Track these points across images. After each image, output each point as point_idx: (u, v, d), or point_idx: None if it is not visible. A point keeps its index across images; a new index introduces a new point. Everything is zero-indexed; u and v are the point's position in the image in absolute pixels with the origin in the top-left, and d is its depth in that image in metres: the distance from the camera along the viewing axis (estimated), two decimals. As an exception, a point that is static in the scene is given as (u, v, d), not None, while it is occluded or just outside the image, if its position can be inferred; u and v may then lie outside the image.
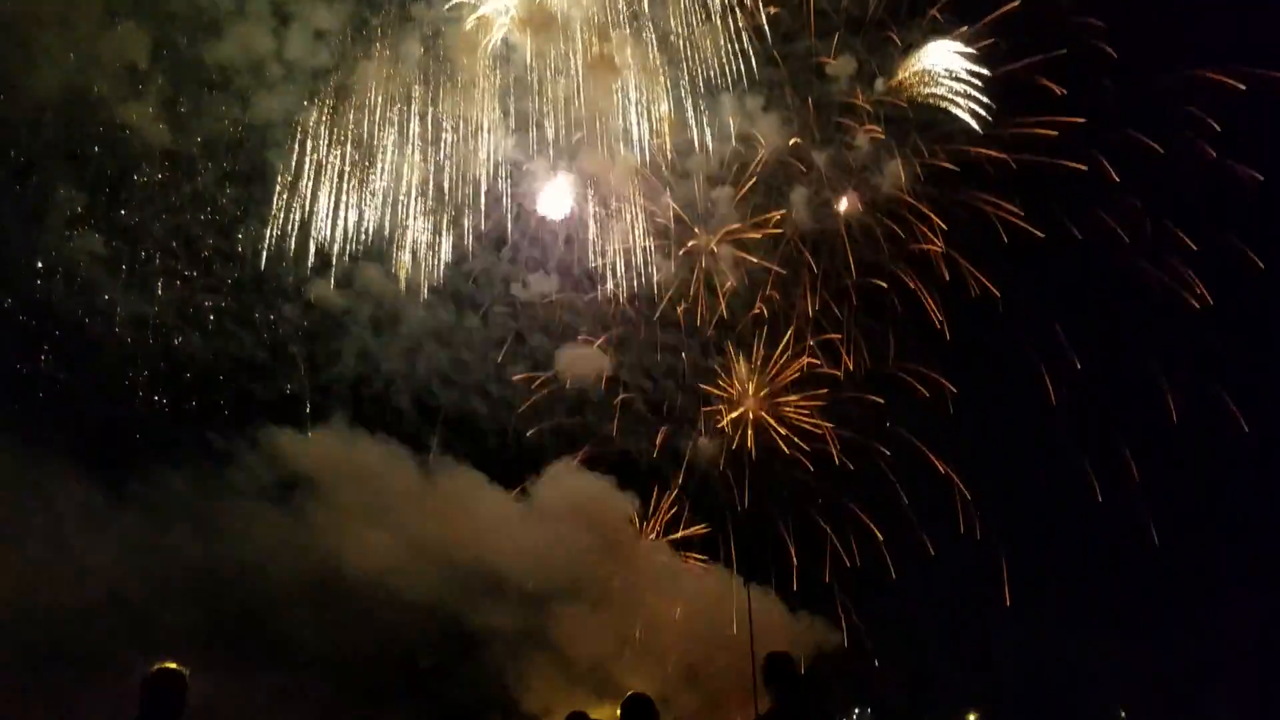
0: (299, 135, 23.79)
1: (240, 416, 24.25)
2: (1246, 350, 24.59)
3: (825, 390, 26.09)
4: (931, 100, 25.17)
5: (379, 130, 24.21)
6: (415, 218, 24.75)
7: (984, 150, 24.70)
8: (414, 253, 24.87)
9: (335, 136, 24.11)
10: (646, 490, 26.44)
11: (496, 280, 26.29)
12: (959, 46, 24.61)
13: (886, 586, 25.56)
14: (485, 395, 26.09)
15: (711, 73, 23.85)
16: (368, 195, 24.34)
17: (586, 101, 23.93)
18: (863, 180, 25.95)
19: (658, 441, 26.26)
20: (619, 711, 6.49)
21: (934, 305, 25.39)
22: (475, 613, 24.36)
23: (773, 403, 26.57)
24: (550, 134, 24.28)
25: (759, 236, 26.28)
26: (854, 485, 25.58)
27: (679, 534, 26.58)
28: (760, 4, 23.82)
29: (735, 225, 26.30)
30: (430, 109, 24.31)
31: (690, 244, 26.34)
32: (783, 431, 26.18)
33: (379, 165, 24.35)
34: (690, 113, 24.36)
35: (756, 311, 26.52)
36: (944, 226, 25.12)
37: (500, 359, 26.15)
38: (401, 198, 24.52)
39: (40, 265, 22.88)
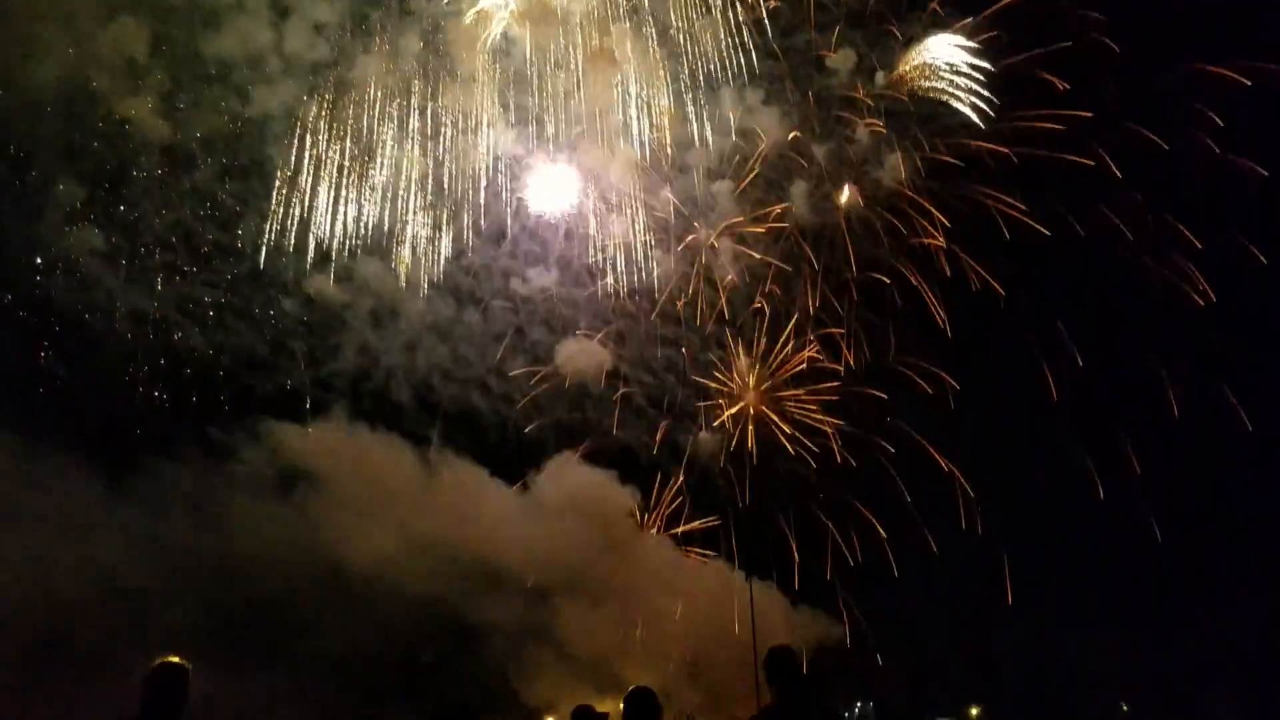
0: (298, 130, 23.80)
1: (240, 411, 24.29)
2: (1249, 347, 24.56)
3: (826, 385, 26.08)
4: (932, 94, 25.16)
5: (378, 125, 24.21)
6: (415, 212, 24.75)
7: (985, 144, 24.67)
8: (413, 247, 24.89)
9: (335, 131, 24.10)
10: (647, 484, 26.49)
11: (496, 275, 26.31)
12: (959, 40, 24.59)
13: (889, 583, 25.59)
14: (485, 390, 26.13)
15: (711, 67, 23.84)
16: (367, 190, 24.34)
17: (586, 96, 23.94)
18: (863, 174, 25.94)
19: (658, 436, 26.30)
20: (622, 705, 6.46)
21: (935, 300, 25.39)
22: (476, 607, 24.39)
23: (773, 397, 26.55)
24: (550, 129, 24.29)
25: (759, 231, 26.28)
26: (856, 481, 25.61)
27: (680, 528, 26.60)
28: (761, -2, 23.78)
29: (735, 220, 26.30)
30: (430, 103, 24.31)
31: (690, 238, 26.34)
32: (785, 428, 26.18)
33: (378, 160, 24.34)
34: (690, 107, 24.37)
35: (756, 306, 26.54)
36: (945, 221, 25.12)
37: (500, 353, 26.18)
38: (401, 192, 24.54)
39: (40, 261, 22.87)
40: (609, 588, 25.49)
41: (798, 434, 26.00)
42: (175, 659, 5.70)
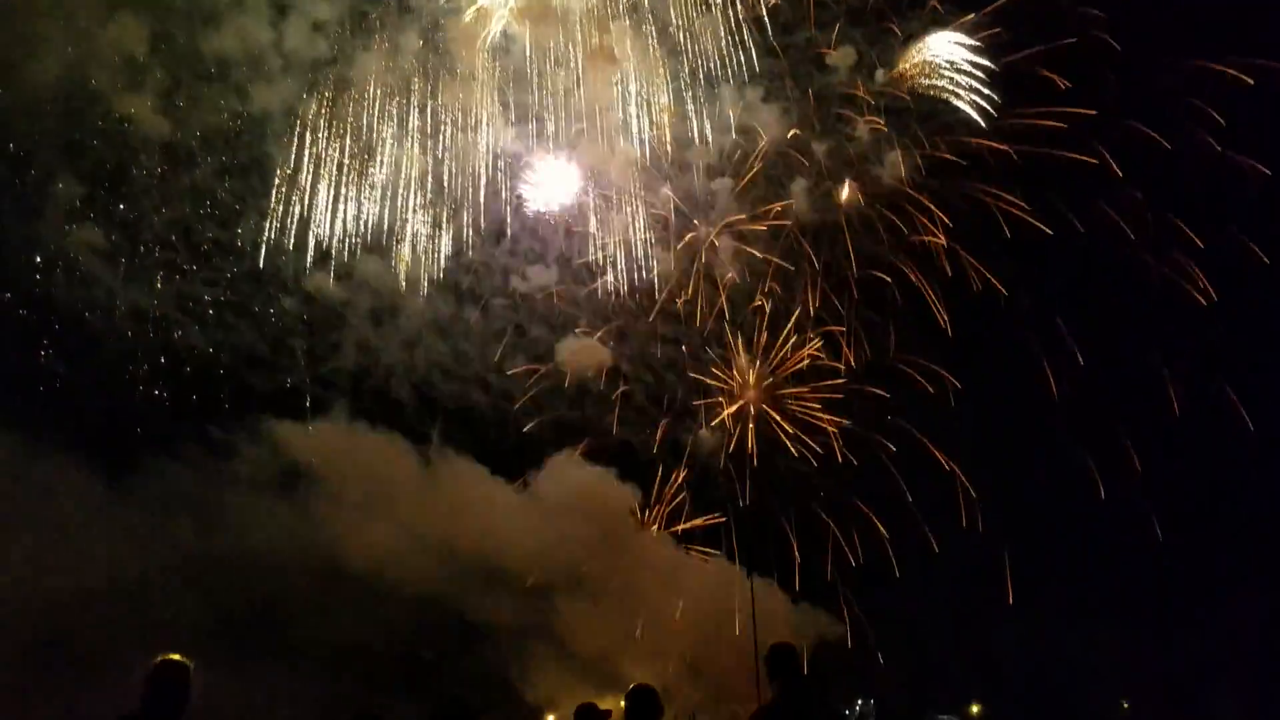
0: (298, 128, 23.79)
1: (241, 409, 24.32)
2: (1250, 345, 24.51)
3: (826, 383, 26.06)
4: (932, 92, 25.11)
5: (378, 123, 24.19)
6: (414, 210, 24.73)
7: (985, 142, 24.63)
8: (413, 245, 24.88)
9: (334, 129, 24.09)
10: (648, 483, 26.48)
11: (496, 273, 26.30)
12: (959, 38, 24.54)
13: (889, 582, 25.56)
14: (485, 388, 26.12)
15: (711, 64, 23.81)
16: (367, 188, 24.33)
17: (586, 94, 23.92)
18: (863, 172, 25.91)
19: (658, 435, 26.29)
20: (624, 703, 6.46)
21: (935, 298, 25.36)
22: (477, 605, 24.42)
23: (773, 395, 26.53)
24: (550, 126, 24.28)
25: (759, 229, 26.27)
26: (856, 479, 25.58)
27: (681, 526, 26.61)
28: (760, -5, 23.74)
29: (735, 217, 26.27)
30: (429, 101, 24.29)
31: (690, 236, 26.31)
32: (787, 428, 26.15)
33: (378, 158, 24.33)
34: (690, 104, 24.35)
35: (757, 304, 26.51)
36: (945, 219, 25.09)
37: (500, 351, 26.16)
38: (400, 190, 24.52)
39: (39, 259, 22.86)
40: (609, 585, 25.51)
41: (798, 432, 26.03)
42: (177, 656, 5.67)
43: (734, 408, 26.60)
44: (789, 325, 26.27)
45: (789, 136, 25.82)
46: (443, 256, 25.08)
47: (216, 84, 23.74)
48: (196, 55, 23.40)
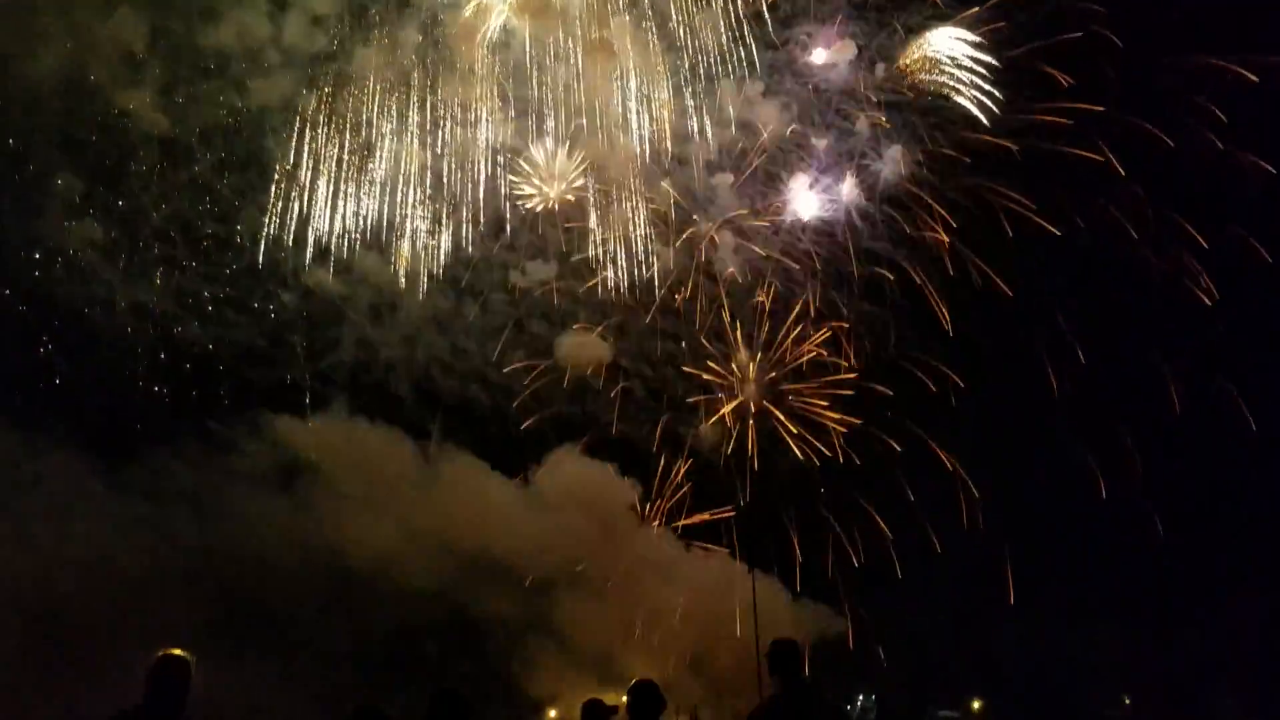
0: (297, 123, 23.76)
1: (240, 404, 24.31)
2: (1252, 344, 24.41)
3: (827, 380, 26.01)
4: (933, 87, 25.03)
5: (377, 117, 24.15)
6: (414, 205, 24.70)
7: (986, 137, 24.55)
8: (413, 240, 24.84)
9: (333, 124, 24.04)
10: (648, 477, 26.45)
11: (495, 268, 26.25)
12: (960, 33, 24.45)
13: (890, 581, 25.49)
14: (485, 383, 26.09)
15: (711, 59, 23.75)
16: (366, 183, 24.29)
17: (585, 89, 23.86)
18: (864, 168, 25.83)
19: (659, 430, 26.25)
20: (625, 697, 6.45)
21: (936, 296, 25.30)
22: (478, 600, 24.39)
23: (774, 392, 26.49)
24: (549, 121, 24.22)
25: (759, 224, 26.21)
26: (857, 478, 25.52)
27: (682, 521, 26.58)
28: (761, -11, 23.67)
29: (735, 213, 26.22)
30: (429, 96, 24.24)
31: (690, 231, 26.25)
32: (791, 427, 26.09)
33: (377, 153, 24.29)
34: (690, 99, 24.29)
35: (757, 299, 26.44)
36: (946, 215, 25.01)
37: (500, 347, 26.12)
38: (400, 185, 24.47)
39: (39, 254, 22.83)
40: (611, 580, 25.49)
41: (800, 430, 25.97)
42: (177, 651, 5.66)
43: (734, 404, 26.59)
44: (789, 321, 26.27)
45: (789, 132, 25.79)
46: (442, 252, 25.09)
47: (216, 79, 23.76)
48: (195, 50, 23.42)
